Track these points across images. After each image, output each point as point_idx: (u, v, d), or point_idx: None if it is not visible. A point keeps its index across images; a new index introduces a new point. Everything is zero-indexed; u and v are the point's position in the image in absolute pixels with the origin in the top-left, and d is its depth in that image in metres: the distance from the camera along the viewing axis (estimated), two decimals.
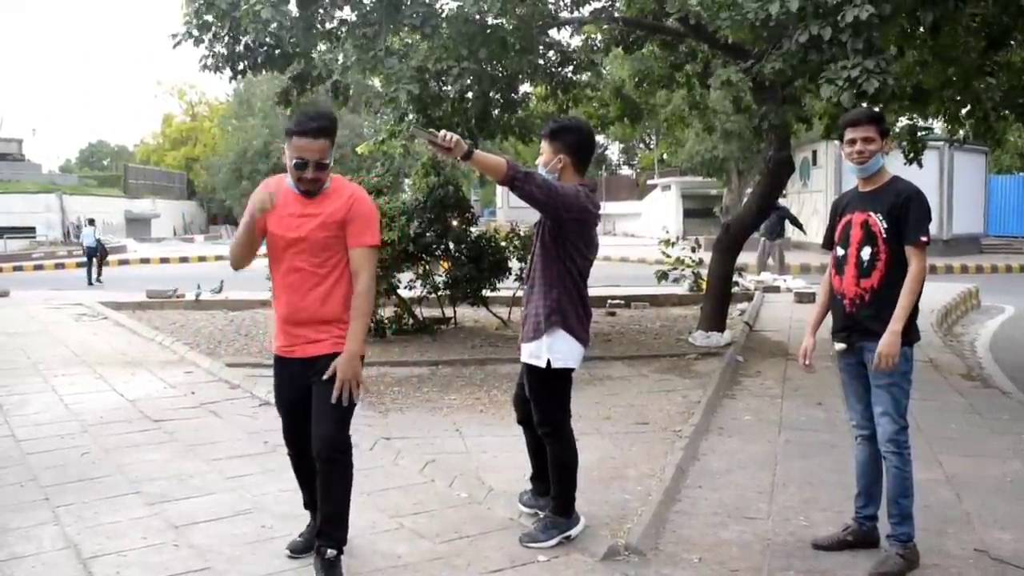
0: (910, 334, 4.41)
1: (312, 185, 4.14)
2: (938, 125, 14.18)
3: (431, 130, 4.48)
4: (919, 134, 11.16)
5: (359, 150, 15.20)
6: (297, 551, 4.51)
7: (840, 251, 4.61)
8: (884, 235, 4.41)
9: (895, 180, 4.52)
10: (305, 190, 4.17)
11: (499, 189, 48.44)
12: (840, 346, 4.65)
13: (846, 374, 4.71)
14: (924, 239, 4.36)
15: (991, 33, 9.29)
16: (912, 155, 12.33)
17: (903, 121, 11.92)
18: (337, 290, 4.23)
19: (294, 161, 4.09)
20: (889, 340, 4.31)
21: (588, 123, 5.23)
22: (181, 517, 5.13)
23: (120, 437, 6.96)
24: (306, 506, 4.63)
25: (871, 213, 4.47)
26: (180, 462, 6.26)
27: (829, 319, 4.74)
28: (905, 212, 4.37)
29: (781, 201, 18.48)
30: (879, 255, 4.43)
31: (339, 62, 10.07)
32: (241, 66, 10.49)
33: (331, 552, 4.17)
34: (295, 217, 4.19)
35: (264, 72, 11.13)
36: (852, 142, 4.51)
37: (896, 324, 4.31)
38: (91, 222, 24.38)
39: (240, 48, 10.23)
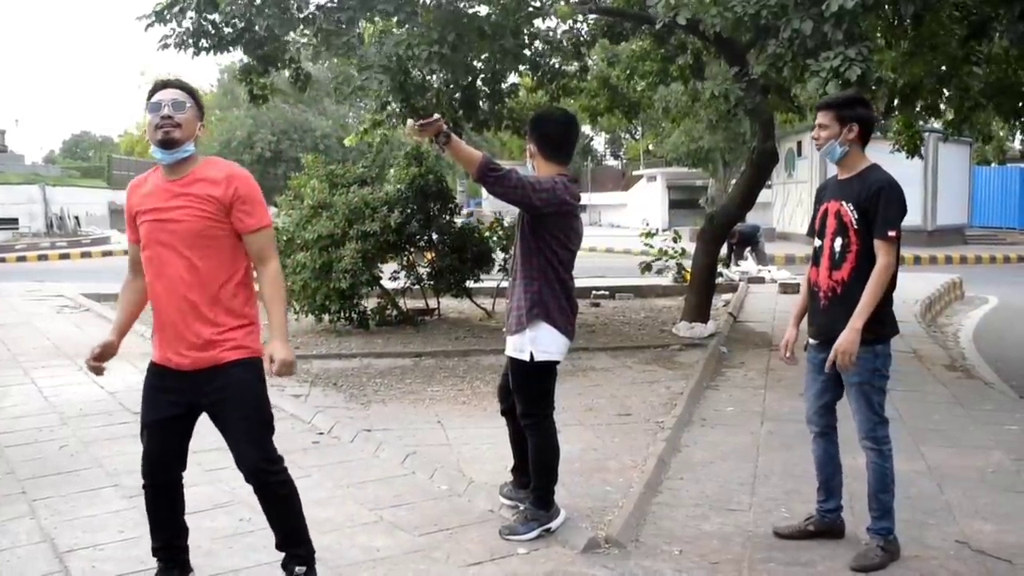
0: (884, 329, 4.36)
1: (171, 127, 3.67)
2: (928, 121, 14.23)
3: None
4: (915, 127, 11.19)
5: (346, 142, 15.16)
6: None
7: (818, 241, 4.55)
8: (855, 226, 4.32)
9: (871, 169, 4.41)
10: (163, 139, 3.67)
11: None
12: (812, 341, 4.62)
13: (810, 367, 4.66)
14: (892, 233, 4.24)
15: (972, 22, 9.28)
16: (911, 148, 12.38)
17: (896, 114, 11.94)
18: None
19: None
20: (848, 337, 4.23)
21: (566, 113, 5.17)
22: None
23: (99, 430, 6.90)
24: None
25: (843, 203, 4.39)
26: None
27: None
28: (875, 204, 4.26)
29: (763, 194, 18.48)
30: (850, 247, 4.35)
31: (310, 47, 10.00)
32: (206, 44, 10.36)
33: (300, 569, 3.94)
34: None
35: (229, 52, 10.96)
36: (815, 126, 4.50)
37: (856, 321, 4.23)
38: None
39: (208, 27, 10.11)
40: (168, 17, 9.95)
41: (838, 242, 4.40)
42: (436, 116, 4.26)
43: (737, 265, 19.25)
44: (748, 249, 20.52)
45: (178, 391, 3.80)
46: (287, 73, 11.60)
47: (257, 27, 10.00)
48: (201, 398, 3.79)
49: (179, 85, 3.82)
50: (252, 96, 11.67)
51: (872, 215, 4.28)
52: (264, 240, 3.81)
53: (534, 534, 4.64)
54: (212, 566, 4.36)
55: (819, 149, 4.50)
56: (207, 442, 4.77)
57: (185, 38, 10.22)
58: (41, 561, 4.43)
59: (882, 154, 7.07)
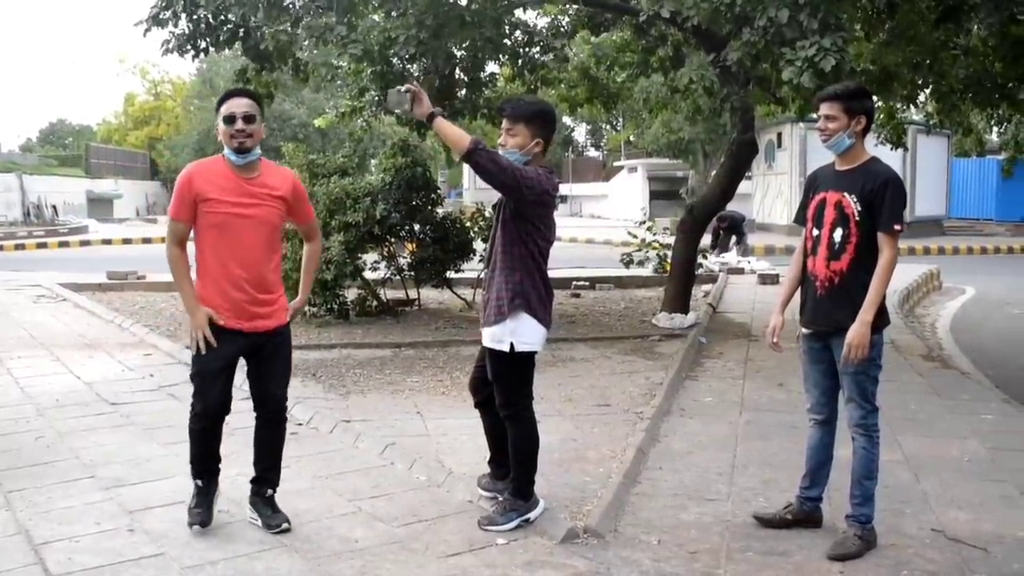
0: (881, 320, 4.37)
1: (244, 138, 4.44)
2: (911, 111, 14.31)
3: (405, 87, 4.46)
4: (897, 118, 11.24)
5: (317, 123, 15.10)
6: None
7: (815, 231, 4.54)
8: (857, 217, 4.34)
9: (873, 161, 4.44)
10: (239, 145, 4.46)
11: (467, 171, 48.23)
12: (805, 331, 4.64)
13: (808, 357, 4.68)
14: (898, 227, 4.29)
15: (944, 7, 9.29)
16: (896, 140, 12.43)
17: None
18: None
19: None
20: (859, 331, 4.26)
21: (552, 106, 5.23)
22: (136, 502, 5.07)
23: (76, 421, 6.85)
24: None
25: (845, 194, 4.40)
26: (136, 446, 6.18)
27: (796, 299, 4.72)
28: (880, 197, 4.29)
29: (743, 185, 18.49)
30: (850, 238, 4.37)
31: (296, 34, 9.92)
32: (203, 44, 10.31)
33: (270, 491, 4.75)
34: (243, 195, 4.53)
35: (227, 51, 10.93)
36: (819, 118, 4.49)
37: (866, 314, 4.26)
38: None
39: (202, 26, 10.05)
40: (164, 20, 9.85)
41: (838, 232, 4.41)
42: (422, 91, 4.41)
43: (720, 256, 19.30)
44: (733, 240, 20.57)
45: (237, 346, 4.58)
46: (285, 68, 11.44)
47: (248, 22, 9.92)
48: (257, 351, 4.61)
49: (248, 94, 4.63)
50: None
51: (877, 208, 4.31)
52: (315, 225, 5.02)
53: (513, 524, 4.64)
54: (188, 556, 4.33)
55: (826, 141, 4.47)
56: (184, 433, 4.76)
57: (183, 41, 10.13)
58: (17, 553, 4.39)
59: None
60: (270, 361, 4.65)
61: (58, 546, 4.47)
